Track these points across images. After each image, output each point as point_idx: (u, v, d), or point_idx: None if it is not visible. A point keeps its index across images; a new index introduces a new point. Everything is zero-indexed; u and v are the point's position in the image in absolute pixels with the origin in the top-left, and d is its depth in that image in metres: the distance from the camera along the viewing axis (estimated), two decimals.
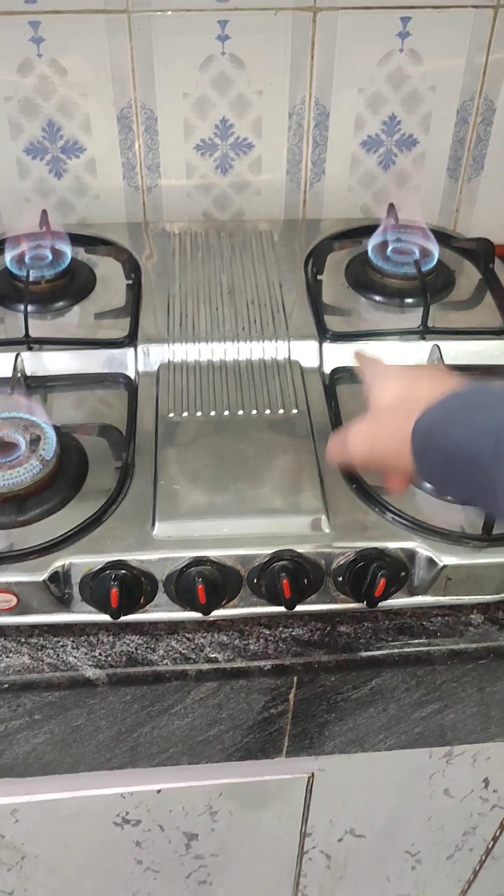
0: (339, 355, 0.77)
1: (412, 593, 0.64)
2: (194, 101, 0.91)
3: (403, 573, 0.62)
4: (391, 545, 0.62)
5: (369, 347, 0.78)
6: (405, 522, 0.63)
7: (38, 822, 0.78)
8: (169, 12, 0.85)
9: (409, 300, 0.84)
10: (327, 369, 0.77)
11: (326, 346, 0.78)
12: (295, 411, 0.71)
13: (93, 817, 0.78)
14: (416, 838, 0.90)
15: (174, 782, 0.76)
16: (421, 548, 0.62)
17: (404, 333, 0.79)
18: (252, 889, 0.94)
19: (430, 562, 0.62)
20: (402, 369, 0.56)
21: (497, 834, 0.92)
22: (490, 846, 0.94)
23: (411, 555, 0.62)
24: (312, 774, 0.77)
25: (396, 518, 0.64)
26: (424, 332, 0.79)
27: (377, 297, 0.85)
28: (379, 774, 0.79)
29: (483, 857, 0.96)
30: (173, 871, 0.88)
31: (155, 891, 0.92)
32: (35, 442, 0.66)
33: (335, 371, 0.77)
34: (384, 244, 0.87)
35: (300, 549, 0.61)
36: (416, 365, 0.56)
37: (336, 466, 0.58)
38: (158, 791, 0.76)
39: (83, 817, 0.78)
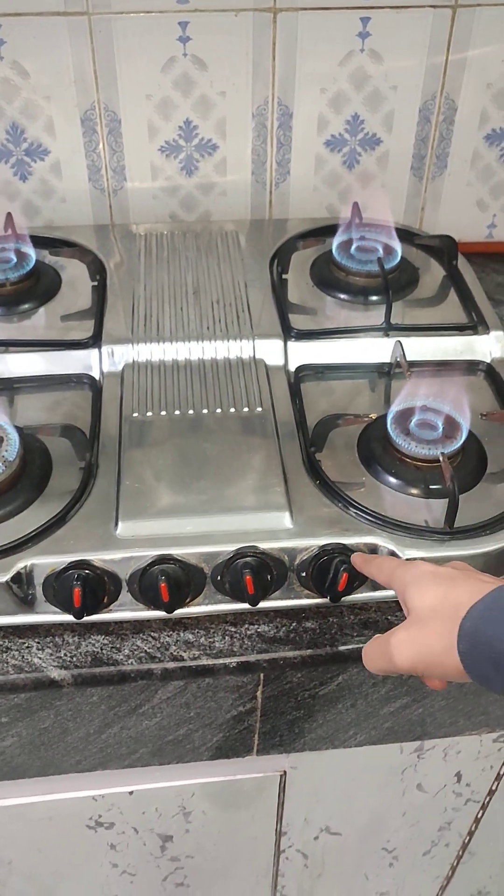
0: (303, 353, 0.78)
1: (376, 588, 0.64)
2: (157, 102, 0.91)
3: None
4: (354, 540, 0.62)
5: (335, 345, 0.79)
6: (368, 517, 0.64)
7: (9, 827, 0.77)
8: (129, 14, 0.85)
9: (374, 298, 0.84)
10: (292, 367, 0.77)
11: (291, 344, 0.78)
12: (259, 409, 0.72)
13: (65, 821, 0.78)
14: (393, 835, 0.90)
15: (146, 783, 0.75)
16: (383, 542, 0.62)
17: (368, 330, 0.80)
18: (230, 890, 0.94)
19: (393, 556, 0.62)
20: (432, 570, 0.55)
21: (472, 829, 0.92)
22: (466, 841, 0.94)
23: (374, 549, 0.62)
24: (285, 772, 0.77)
25: (359, 513, 0.64)
26: (388, 328, 0.79)
27: (342, 296, 0.85)
28: (351, 771, 0.79)
29: (460, 853, 0.96)
30: (149, 874, 0.88)
31: (133, 895, 0.91)
32: None
33: (300, 369, 0.77)
34: (348, 242, 0.88)
35: (263, 546, 0.61)
36: (443, 566, 0.56)
37: (377, 672, 0.56)
38: (131, 793, 0.76)
39: (56, 821, 0.78)
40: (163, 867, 0.87)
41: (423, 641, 0.52)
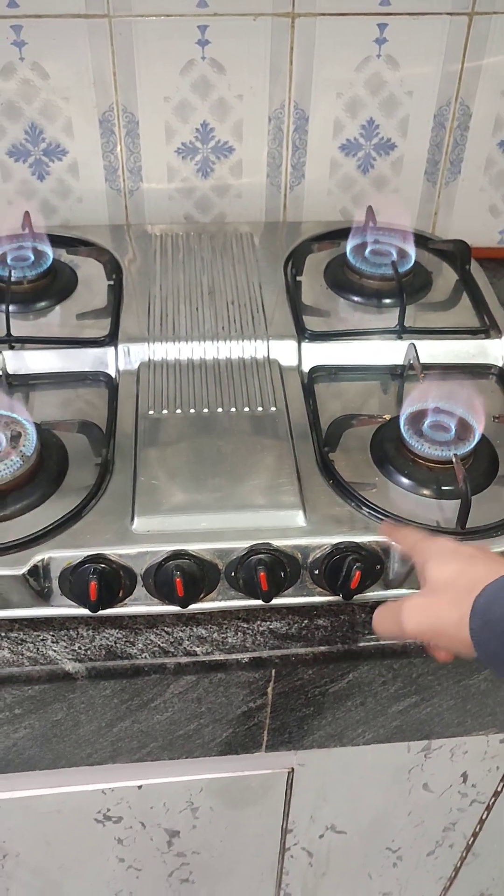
0: (317, 354, 0.79)
1: (388, 586, 0.65)
2: (175, 105, 0.92)
3: (379, 566, 0.63)
4: (366, 539, 0.63)
5: (348, 347, 0.79)
6: (381, 517, 0.64)
7: (19, 818, 0.78)
8: (150, 17, 0.86)
9: (387, 300, 0.85)
10: (306, 368, 0.78)
11: (305, 345, 0.79)
12: (273, 409, 0.72)
13: (74, 814, 0.79)
14: (397, 835, 0.91)
15: (155, 778, 0.76)
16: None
17: (382, 333, 0.81)
18: (235, 887, 0.95)
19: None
20: (454, 547, 0.56)
21: (477, 830, 0.92)
22: (470, 842, 0.94)
23: (386, 548, 0.63)
24: (292, 769, 0.78)
25: (372, 512, 0.64)
26: (401, 331, 0.80)
27: (355, 298, 0.86)
28: (358, 769, 0.80)
29: (464, 854, 0.97)
30: (156, 870, 0.89)
31: (138, 890, 0.92)
32: (16, 438, 0.66)
33: (313, 370, 0.78)
34: (362, 246, 0.88)
35: (277, 543, 0.62)
36: (465, 544, 0.57)
37: (385, 636, 0.58)
38: (139, 787, 0.77)
39: (64, 814, 0.78)
40: (169, 862, 0.88)
41: (436, 610, 0.52)
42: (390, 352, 0.79)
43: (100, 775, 0.75)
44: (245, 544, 0.62)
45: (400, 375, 0.79)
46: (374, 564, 0.63)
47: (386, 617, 0.56)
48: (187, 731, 0.70)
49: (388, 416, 0.71)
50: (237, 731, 0.71)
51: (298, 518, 0.64)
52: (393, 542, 0.62)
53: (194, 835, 0.84)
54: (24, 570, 0.60)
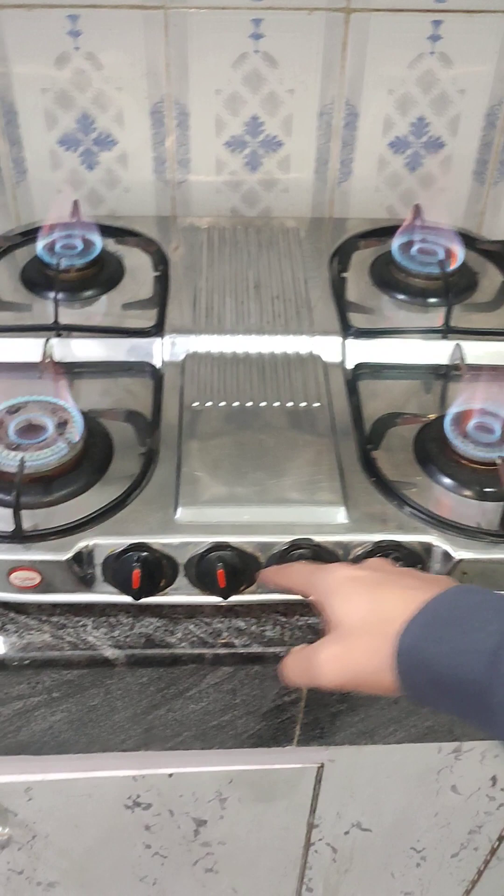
0: (361, 351, 0.79)
1: None
2: (226, 97, 0.92)
3: (419, 566, 0.63)
4: (408, 538, 0.63)
5: (392, 345, 0.79)
6: (422, 516, 0.64)
7: (50, 801, 0.79)
8: (204, 10, 0.86)
9: (433, 300, 0.85)
10: (349, 365, 0.78)
11: (349, 342, 0.79)
12: (317, 405, 0.72)
13: (104, 799, 0.80)
14: (423, 835, 0.90)
15: (186, 767, 0.77)
16: (437, 541, 0.63)
17: (426, 332, 0.80)
18: (257, 879, 0.95)
19: (446, 556, 0.63)
20: (352, 575, 0.51)
21: (502, 834, 0.92)
22: (495, 846, 0.94)
23: (427, 548, 0.63)
24: (322, 765, 0.78)
25: (414, 512, 0.64)
26: (447, 331, 0.80)
27: (400, 296, 0.85)
28: (388, 768, 0.80)
29: (488, 857, 0.96)
30: (181, 858, 0.89)
31: (162, 877, 0.93)
32: (62, 425, 0.67)
33: (357, 367, 0.78)
34: (409, 244, 0.88)
35: (318, 539, 0.62)
36: (363, 565, 0.53)
37: (295, 686, 0.54)
38: (170, 775, 0.77)
39: (95, 798, 0.79)
40: (194, 851, 0.89)
41: (354, 659, 0.49)
42: (435, 351, 0.79)
43: (132, 761, 0.76)
44: (286, 539, 0.62)
45: (444, 375, 0.78)
46: (414, 564, 0.63)
47: (298, 669, 0.52)
48: (221, 721, 0.70)
49: (432, 416, 0.71)
50: (270, 724, 0.71)
51: (340, 514, 0.64)
52: (283, 587, 0.58)
53: (221, 825, 0.85)
54: (68, 555, 0.61)
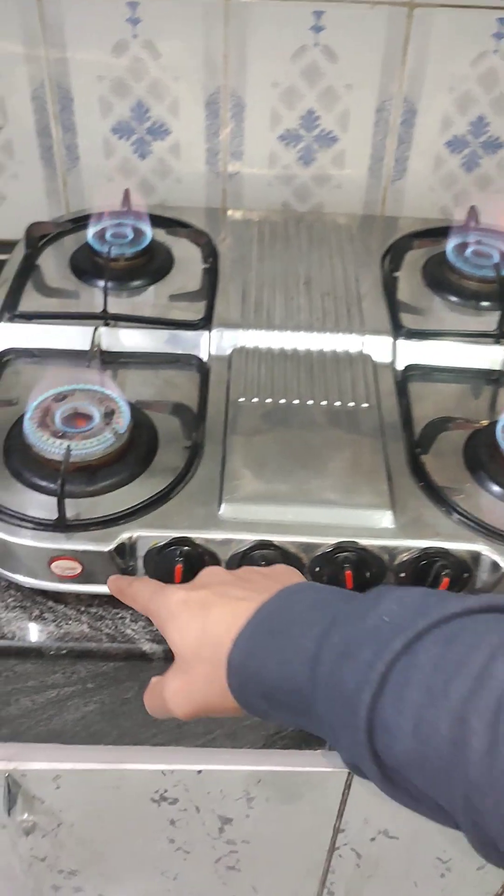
0: (412, 353, 0.77)
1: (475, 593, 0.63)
2: (283, 90, 0.91)
3: (467, 574, 0.62)
4: (456, 546, 0.61)
5: (444, 347, 0.78)
6: (471, 524, 0.63)
7: (77, 790, 0.79)
8: (266, 1, 0.85)
9: (486, 303, 0.83)
10: (400, 366, 0.77)
11: (400, 342, 0.77)
12: (365, 405, 0.71)
13: (131, 791, 0.79)
14: (450, 846, 0.89)
15: (215, 764, 0.76)
16: (486, 551, 0.61)
17: (479, 336, 0.79)
18: (279, 880, 0.95)
19: (495, 566, 0.61)
20: (184, 597, 0.50)
21: None
22: None
23: (476, 557, 0.62)
24: None
25: (463, 519, 0.63)
26: (500, 335, 0.78)
27: (453, 298, 0.84)
28: None
29: None
30: (204, 854, 0.89)
31: (183, 872, 0.92)
32: (109, 415, 0.66)
33: (408, 368, 0.76)
34: (463, 245, 0.86)
35: (364, 542, 0.61)
36: (195, 581, 0.52)
37: (160, 717, 0.53)
38: (199, 772, 0.77)
39: (122, 790, 0.79)
40: (218, 849, 0.88)
41: (196, 689, 0.48)
42: (487, 356, 0.77)
43: (161, 756, 0.75)
44: (332, 540, 0.61)
45: (496, 381, 0.77)
46: (462, 572, 0.61)
47: (155, 703, 0.51)
48: (254, 722, 0.69)
49: (484, 422, 0.70)
50: None
51: (386, 518, 0.63)
52: (126, 598, 0.57)
53: (246, 824, 0.84)
54: (110, 546, 0.61)
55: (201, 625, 0.48)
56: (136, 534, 0.61)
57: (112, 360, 0.78)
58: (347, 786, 0.79)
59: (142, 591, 0.55)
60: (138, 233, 0.86)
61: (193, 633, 0.48)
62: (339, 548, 0.61)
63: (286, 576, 0.52)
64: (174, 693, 0.49)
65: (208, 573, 0.53)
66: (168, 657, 0.63)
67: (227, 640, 0.46)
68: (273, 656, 0.44)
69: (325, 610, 0.45)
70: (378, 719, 0.39)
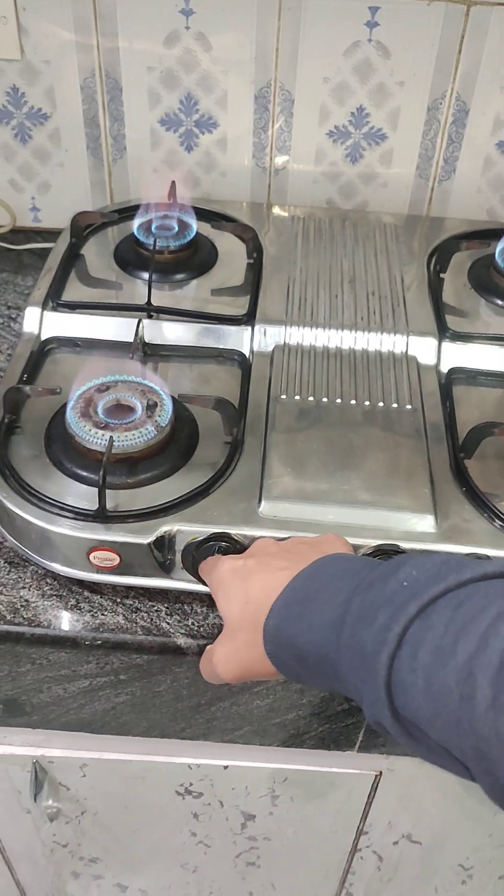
0: (457, 355, 0.76)
1: None
2: (333, 86, 0.90)
3: None
4: (499, 553, 0.60)
5: (490, 351, 0.77)
6: None
7: (104, 779, 0.79)
8: None
9: None
10: (444, 368, 0.76)
11: (446, 344, 0.76)
12: (409, 407, 0.71)
13: (157, 783, 0.79)
14: (472, 853, 0.88)
15: (242, 761, 0.76)
16: None
17: None
18: (298, 878, 0.95)
19: None
20: (232, 566, 0.53)
21: None
22: None
23: None
24: (380, 773, 0.76)
25: None
26: None
27: (500, 302, 0.83)
28: (446, 783, 0.78)
29: None
30: (225, 849, 0.89)
31: (203, 865, 0.92)
32: (152, 408, 0.66)
33: (452, 371, 0.76)
34: None
35: (404, 545, 0.61)
36: (247, 551, 0.55)
37: (213, 682, 0.57)
38: (225, 767, 0.77)
39: (148, 781, 0.79)
40: (239, 844, 0.88)
41: (239, 655, 0.52)
42: None
43: (189, 749, 0.75)
44: (372, 542, 0.61)
45: None
46: None
47: (207, 668, 0.55)
48: (284, 720, 0.69)
49: None
50: (333, 727, 0.70)
51: (427, 523, 0.62)
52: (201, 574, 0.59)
53: (269, 821, 0.84)
54: (150, 539, 0.61)
55: (244, 593, 0.51)
56: (175, 527, 0.61)
57: (154, 353, 0.78)
58: (374, 788, 0.78)
59: (203, 564, 0.59)
60: (183, 226, 0.86)
61: (238, 601, 0.52)
62: (379, 550, 0.60)
63: (329, 545, 0.54)
64: (222, 657, 0.53)
65: (258, 544, 0.56)
66: (201, 652, 0.62)
67: (265, 608, 0.49)
68: (303, 622, 0.47)
69: (350, 579, 0.47)
70: (395, 678, 0.42)
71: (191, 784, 0.79)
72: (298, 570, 0.50)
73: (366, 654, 0.43)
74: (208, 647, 0.55)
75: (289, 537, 0.58)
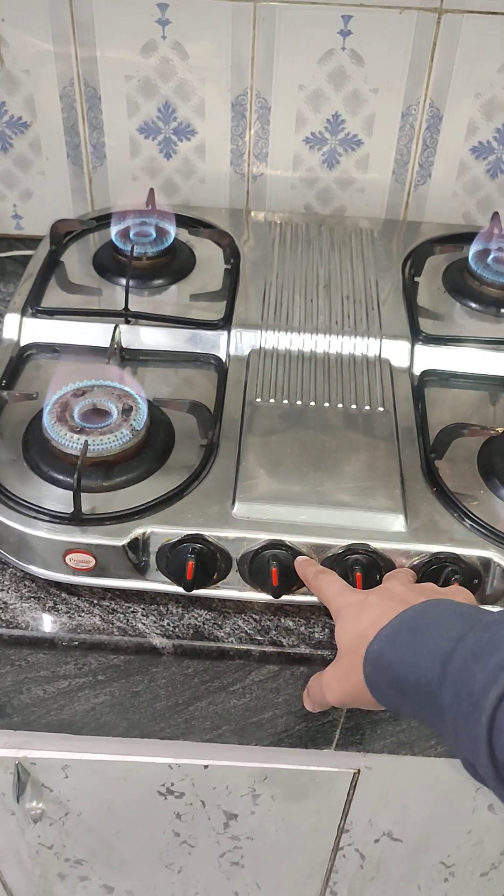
0: (430, 358, 0.77)
1: (483, 602, 0.63)
2: (309, 93, 0.92)
3: (477, 580, 0.62)
4: (466, 552, 0.62)
5: (462, 354, 0.78)
6: (483, 531, 0.63)
7: (85, 780, 0.80)
8: (295, 4, 0.86)
9: None
10: (417, 371, 0.77)
11: (418, 347, 0.78)
12: (381, 409, 0.72)
13: (139, 783, 0.80)
14: (454, 851, 0.89)
15: (222, 760, 0.77)
16: (497, 557, 0.62)
17: (498, 343, 0.79)
18: (282, 878, 0.95)
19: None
20: (358, 600, 0.55)
21: None
22: None
23: (486, 563, 0.62)
24: (359, 771, 0.77)
25: (475, 525, 0.63)
26: None
27: (473, 305, 0.84)
28: (425, 781, 0.79)
29: None
30: (208, 849, 0.90)
31: (188, 865, 0.93)
32: (127, 412, 0.67)
33: (425, 373, 0.77)
34: (485, 252, 0.86)
35: (375, 545, 0.62)
36: (372, 592, 0.56)
37: (319, 709, 0.61)
38: (206, 766, 0.77)
39: (129, 782, 0.80)
40: (222, 844, 0.89)
41: (347, 678, 0.54)
42: None
43: (169, 749, 0.76)
44: (343, 542, 0.62)
45: None
46: (472, 578, 0.62)
47: (315, 691, 0.58)
48: (261, 718, 0.70)
49: (500, 429, 0.70)
50: (310, 725, 0.71)
51: (398, 522, 0.63)
52: (310, 587, 0.60)
53: (251, 820, 0.85)
54: (124, 541, 0.62)
55: (357, 623, 0.54)
56: (149, 529, 0.62)
57: (132, 358, 0.79)
58: (353, 786, 0.79)
59: (329, 586, 0.59)
60: (161, 232, 0.87)
61: (351, 630, 0.54)
62: (350, 550, 0.62)
63: (453, 595, 0.55)
64: (329, 680, 0.56)
65: (388, 583, 0.57)
66: (177, 652, 0.64)
67: (371, 634, 0.51)
68: (408, 649, 0.48)
69: (465, 619, 0.48)
70: (500, 719, 0.41)
71: (172, 784, 0.80)
72: (408, 605, 0.52)
73: (473, 689, 0.43)
74: (318, 674, 0.58)
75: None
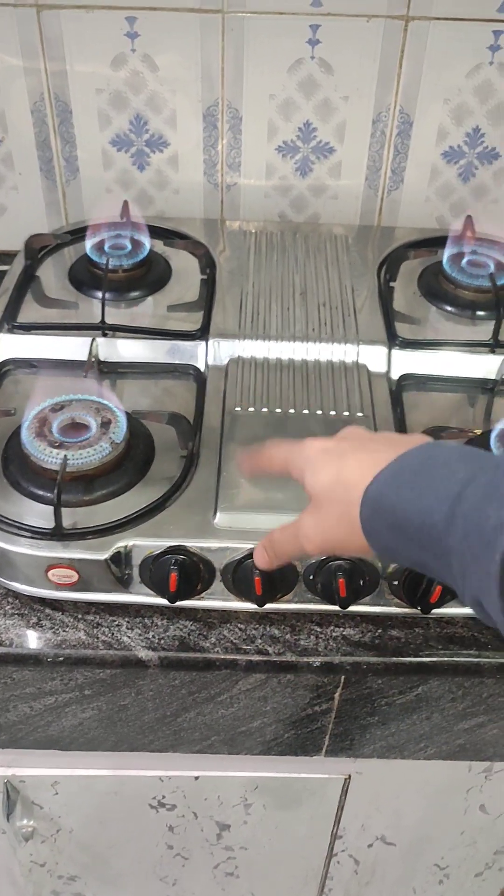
0: (407, 362, 0.78)
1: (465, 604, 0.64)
2: (280, 102, 0.92)
3: None
4: None
5: (439, 357, 0.78)
6: None
7: (76, 796, 0.80)
8: (263, 15, 0.86)
9: (481, 313, 0.84)
10: (395, 375, 0.77)
11: (395, 352, 0.78)
12: (360, 414, 0.72)
13: (130, 797, 0.80)
14: (447, 852, 0.89)
15: (212, 771, 0.77)
16: None
17: (474, 345, 0.79)
18: (277, 886, 0.95)
19: None
20: (323, 446, 0.54)
21: None
22: None
23: None
24: (349, 776, 0.77)
25: None
26: (495, 345, 0.79)
27: (449, 308, 0.85)
28: (416, 783, 0.79)
29: None
30: (202, 860, 0.89)
31: (182, 878, 0.93)
32: (106, 425, 0.67)
33: (403, 378, 0.77)
34: (459, 255, 0.87)
35: None
36: (337, 435, 0.55)
37: (283, 560, 0.58)
38: (196, 778, 0.77)
39: (121, 796, 0.80)
40: (216, 855, 0.89)
41: (326, 525, 0.52)
42: (482, 365, 0.78)
43: (159, 762, 0.76)
44: None
45: (491, 390, 0.77)
46: None
47: (285, 541, 0.56)
48: (250, 728, 0.70)
49: (478, 431, 0.70)
50: (299, 733, 0.71)
51: None
52: (262, 470, 0.59)
53: (244, 830, 0.85)
54: (106, 555, 0.61)
55: (337, 469, 0.52)
56: (131, 542, 0.62)
57: (110, 371, 0.79)
58: (344, 792, 0.79)
59: (277, 450, 0.58)
60: (136, 244, 0.87)
61: (328, 476, 0.52)
62: (332, 556, 0.62)
63: (416, 441, 0.53)
64: (307, 528, 0.53)
65: (348, 430, 0.56)
66: (163, 664, 0.64)
67: (362, 482, 0.49)
68: (412, 492, 0.46)
69: (472, 461, 0.47)
70: None
71: (163, 797, 0.80)
72: (398, 453, 0.49)
73: (485, 529, 0.42)
74: (284, 524, 0.56)
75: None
